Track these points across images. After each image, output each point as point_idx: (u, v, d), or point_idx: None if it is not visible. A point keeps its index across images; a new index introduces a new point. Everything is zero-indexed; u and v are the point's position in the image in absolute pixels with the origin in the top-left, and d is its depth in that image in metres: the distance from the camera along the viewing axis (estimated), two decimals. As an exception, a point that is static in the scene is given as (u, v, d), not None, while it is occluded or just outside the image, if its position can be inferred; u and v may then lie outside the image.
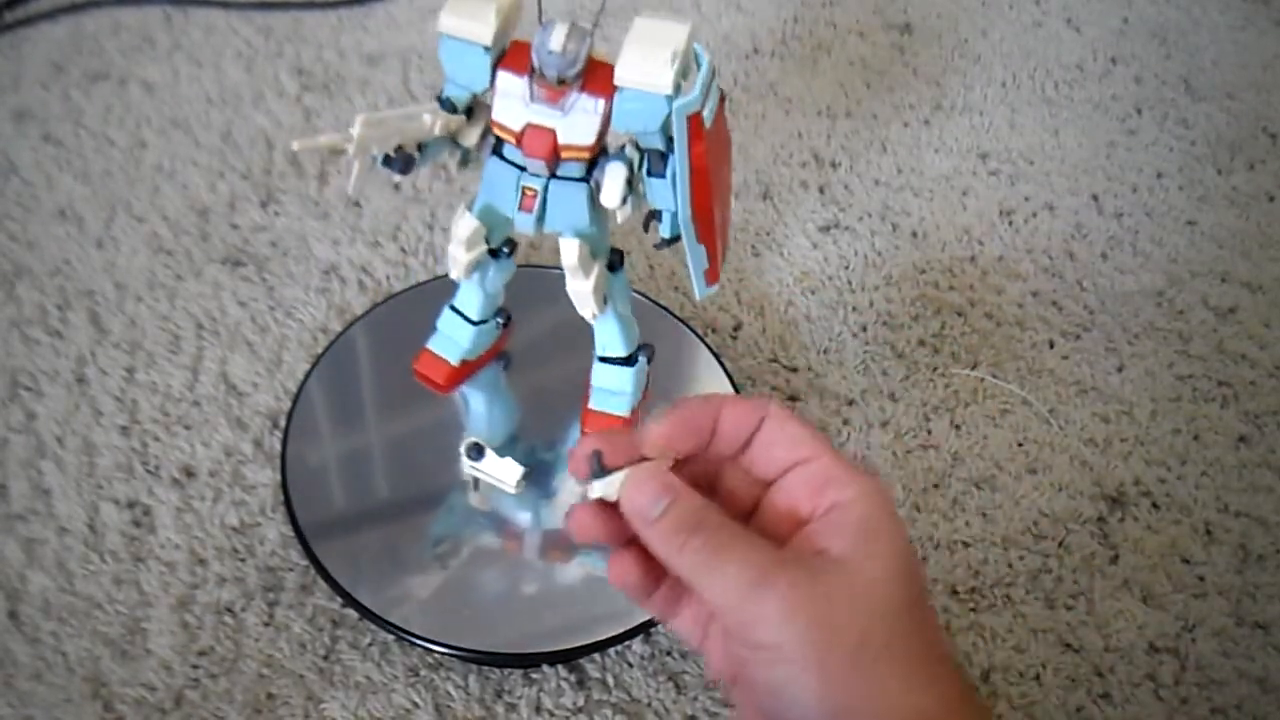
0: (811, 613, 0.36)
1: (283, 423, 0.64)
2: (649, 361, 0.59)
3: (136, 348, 0.68)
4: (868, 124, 0.87)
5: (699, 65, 0.45)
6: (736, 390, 0.66)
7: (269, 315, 0.70)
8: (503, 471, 0.58)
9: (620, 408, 0.58)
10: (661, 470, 0.39)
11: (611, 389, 0.58)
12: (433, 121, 0.48)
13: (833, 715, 0.36)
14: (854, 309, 0.74)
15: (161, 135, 0.82)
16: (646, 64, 0.45)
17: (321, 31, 0.91)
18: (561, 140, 0.47)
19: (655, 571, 0.40)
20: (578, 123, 0.47)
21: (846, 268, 0.76)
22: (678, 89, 0.45)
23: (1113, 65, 0.94)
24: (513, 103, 0.48)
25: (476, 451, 0.59)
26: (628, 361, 0.57)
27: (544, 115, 0.47)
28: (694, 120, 0.45)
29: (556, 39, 0.46)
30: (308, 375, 0.66)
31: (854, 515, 0.38)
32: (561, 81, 0.47)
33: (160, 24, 0.91)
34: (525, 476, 0.58)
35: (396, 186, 0.79)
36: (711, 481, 0.42)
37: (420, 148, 0.49)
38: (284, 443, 0.63)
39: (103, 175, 0.79)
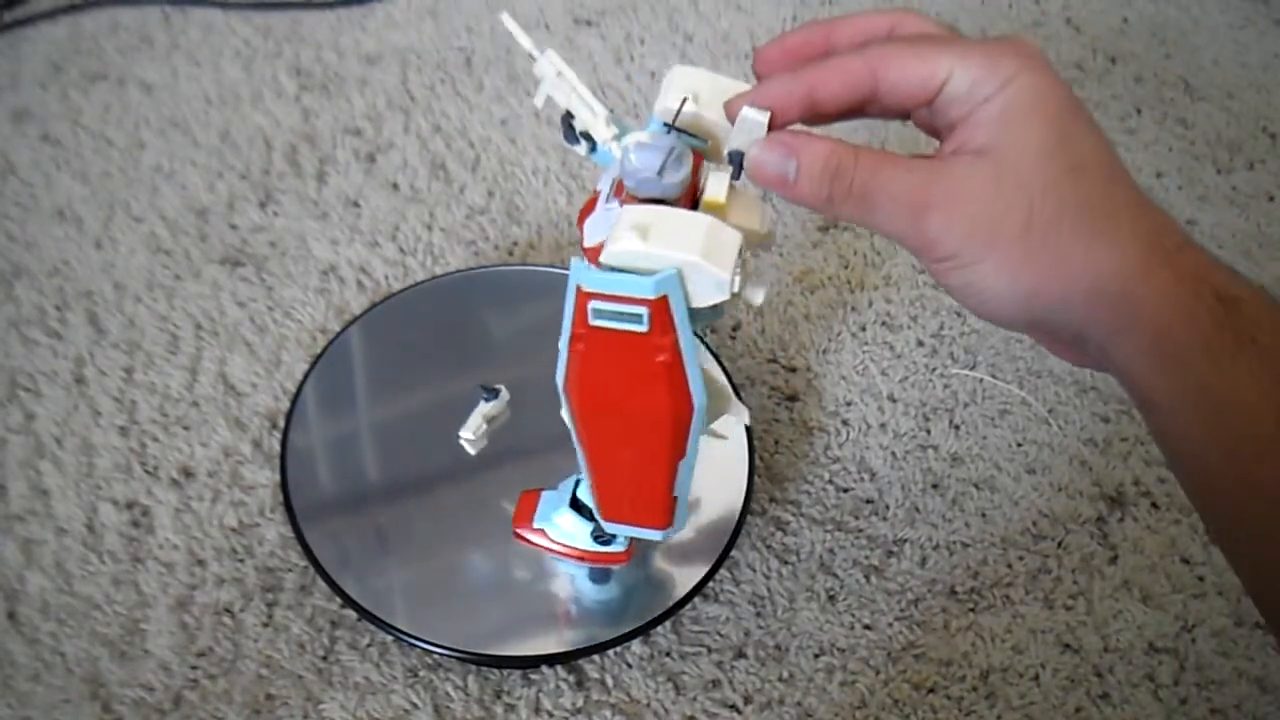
0: (971, 214, 0.37)
1: (281, 423, 0.64)
2: None
3: (135, 348, 0.68)
4: (866, 123, 0.87)
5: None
6: (737, 391, 0.66)
7: (268, 315, 0.70)
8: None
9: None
10: (779, 132, 0.39)
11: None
12: (605, 132, 0.45)
13: (1026, 297, 0.37)
14: (853, 309, 0.74)
15: (160, 135, 0.82)
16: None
17: (320, 31, 0.91)
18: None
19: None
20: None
21: (846, 267, 0.76)
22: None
23: (1112, 64, 0.94)
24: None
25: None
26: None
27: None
28: (580, 294, 0.42)
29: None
30: (306, 375, 0.66)
31: (997, 105, 0.37)
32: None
33: (159, 24, 0.90)
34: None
35: (395, 185, 0.79)
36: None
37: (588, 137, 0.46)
38: (283, 443, 0.63)
39: (101, 175, 0.78)
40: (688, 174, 0.42)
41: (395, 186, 0.79)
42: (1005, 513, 0.64)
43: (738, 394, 0.63)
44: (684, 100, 0.43)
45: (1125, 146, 0.86)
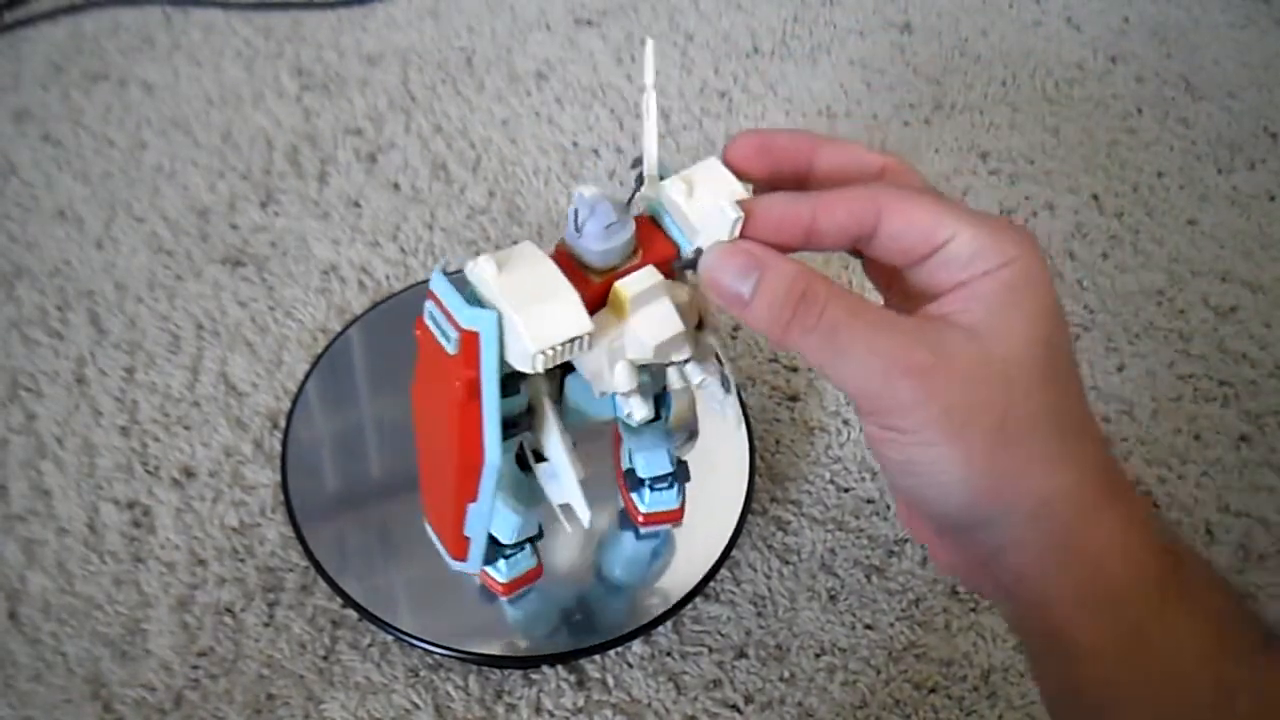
0: (948, 395, 0.33)
1: (283, 423, 0.64)
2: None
3: (136, 348, 0.68)
4: (867, 123, 0.87)
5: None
6: (737, 392, 0.66)
7: (269, 315, 0.70)
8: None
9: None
10: (743, 242, 0.35)
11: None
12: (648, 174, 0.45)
13: (975, 496, 0.34)
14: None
15: (161, 135, 0.82)
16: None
17: (321, 31, 0.91)
18: None
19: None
20: None
21: (846, 267, 0.76)
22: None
23: (1113, 64, 0.94)
24: None
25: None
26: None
27: None
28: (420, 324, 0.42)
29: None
30: (307, 375, 0.66)
31: (994, 283, 0.34)
32: None
33: (160, 24, 0.91)
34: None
35: (396, 185, 0.79)
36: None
37: None
38: (284, 443, 0.63)
39: (102, 176, 0.78)
40: (611, 248, 0.41)
41: (396, 186, 0.79)
42: (1006, 512, 0.64)
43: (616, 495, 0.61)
44: (639, 178, 0.41)
45: (1126, 146, 0.86)
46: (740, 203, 0.37)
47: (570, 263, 0.42)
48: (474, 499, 0.46)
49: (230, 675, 0.56)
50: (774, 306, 0.34)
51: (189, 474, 0.63)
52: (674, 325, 0.42)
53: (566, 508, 0.47)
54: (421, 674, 0.56)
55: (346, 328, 0.68)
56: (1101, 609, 0.34)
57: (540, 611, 0.58)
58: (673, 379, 0.46)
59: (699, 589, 0.58)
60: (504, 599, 0.57)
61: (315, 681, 0.56)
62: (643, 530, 0.59)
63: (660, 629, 0.58)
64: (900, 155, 0.39)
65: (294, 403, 0.65)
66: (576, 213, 0.42)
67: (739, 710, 0.56)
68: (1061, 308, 0.36)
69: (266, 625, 0.58)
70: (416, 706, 0.55)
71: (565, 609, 0.58)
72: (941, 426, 0.33)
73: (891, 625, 0.59)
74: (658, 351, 0.42)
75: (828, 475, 0.65)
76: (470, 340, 0.40)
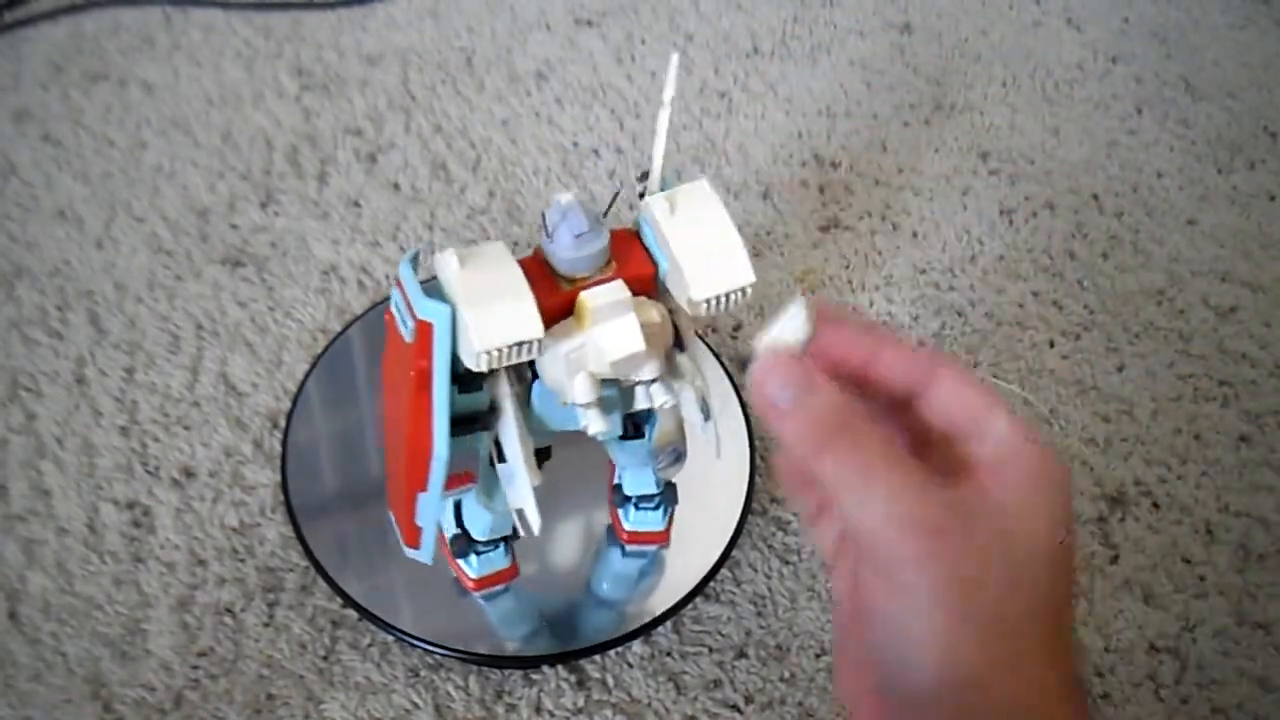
0: (961, 565, 0.32)
1: (282, 423, 0.64)
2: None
3: (136, 348, 0.68)
4: (868, 124, 0.87)
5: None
6: (737, 393, 0.66)
7: (268, 315, 0.70)
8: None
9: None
10: (797, 360, 0.34)
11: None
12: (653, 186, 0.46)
13: (954, 684, 0.32)
14: (854, 309, 0.74)
15: (161, 136, 0.82)
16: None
17: (321, 32, 0.91)
18: None
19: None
20: None
21: (846, 267, 0.76)
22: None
23: (1113, 65, 0.94)
24: None
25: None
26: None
27: None
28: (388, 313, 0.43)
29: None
30: (307, 375, 0.66)
31: (1025, 472, 0.34)
32: None
33: (160, 24, 0.91)
34: None
35: (396, 185, 0.79)
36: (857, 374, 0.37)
37: None
38: (284, 443, 0.63)
39: (102, 176, 0.78)
40: (580, 257, 0.41)
41: (396, 187, 0.79)
42: (1006, 512, 0.64)
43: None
44: (615, 194, 0.42)
45: (1126, 146, 0.86)
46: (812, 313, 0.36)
47: (542, 268, 0.43)
48: (423, 488, 0.47)
49: (230, 675, 0.56)
50: (814, 425, 0.33)
51: (189, 474, 0.63)
52: (634, 343, 0.42)
53: (520, 512, 0.47)
54: (422, 674, 0.56)
55: (346, 328, 0.68)
56: None
57: (540, 612, 0.58)
58: (639, 398, 0.46)
59: (699, 589, 0.58)
60: (475, 594, 0.57)
61: (315, 681, 0.56)
62: (628, 548, 0.59)
63: (660, 629, 0.58)
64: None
65: (294, 403, 0.65)
66: (550, 218, 0.42)
67: (739, 710, 0.56)
68: (1072, 507, 0.36)
69: (266, 625, 0.58)
70: (416, 706, 0.55)
71: (565, 609, 0.58)
72: (941, 596, 0.32)
73: (891, 625, 0.59)
74: (615, 367, 0.42)
75: (828, 475, 0.65)
76: (425, 331, 0.40)
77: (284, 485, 0.61)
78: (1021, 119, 0.88)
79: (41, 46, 0.88)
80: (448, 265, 0.41)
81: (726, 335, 0.72)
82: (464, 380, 0.44)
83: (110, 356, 0.68)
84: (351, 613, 0.58)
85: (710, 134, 0.85)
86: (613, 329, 0.42)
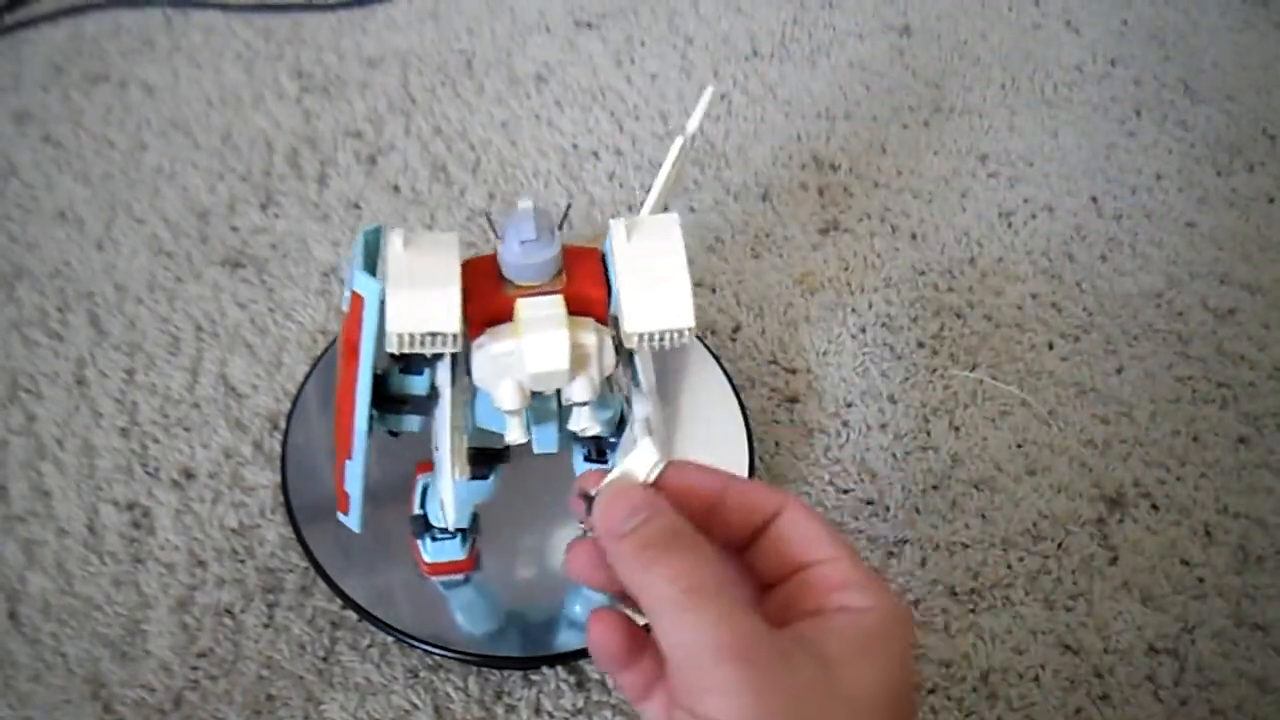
0: (778, 703, 0.30)
1: (282, 424, 0.64)
2: None
3: (136, 349, 0.69)
4: (867, 126, 0.87)
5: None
6: (736, 394, 0.66)
7: (268, 317, 0.70)
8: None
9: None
10: (643, 488, 0.34)
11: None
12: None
13: None
14: (853, 310, 0.74)
15: (161, 137, 0.82)
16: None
17: (321, 34, 0.91)
18: None
19: (639, 641, 0.34)
20: None
21: (846, 269, 0.76)
22: None
23: (1112, 67, 0.94)
24: None
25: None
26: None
27: None
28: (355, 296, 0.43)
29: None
30: (307, 377, 0.66)
31: (863, 624, 0.33)
32: None
33: (160, 26, 0.91)
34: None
35: (395, 187, 0.79)
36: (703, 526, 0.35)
37: None
38: (283, 444, 0.63)
39: (103, 177, 0.79)
40: (525, 264, 0.42)
41: (396, 189, 0.79)
42: (1005, 514, 0.64)
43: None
44: (567, 208, 0.42)
45: (1125, 148, 0.87)
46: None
47: (493, 270, 0.43)
48: (349, 456, 0.47)
49: (230, 676, 0.56)
50: (648, 542, 0.32)
51: (189, 475, 0.63)
52: (558, 360, 0.42)
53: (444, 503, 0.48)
54: (421, 675, 0.56)
55: (346, 329, 0.68)
56: None
57: (507, 614, 0.58)
58: (573, 418, 0.46)
59: (698, 590, 0.58)
60: (431, 579, 0.58)
61: (315, 682, 0.56)
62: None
63: (659, 630, 0.58)
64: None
65: (293, 404, 0.65)
66: (504, 222, 0.42)
67: (738, 711, 0.56)
68: (916, 684, 0.36)
69: (266, 626, 0.58)
70: (416, 707, 0.55)
71: (537, 618, 0.58)
72: None
73: (891, 626, 0.59)
74: (535, 379, 0.42)
75: (827, 477, 0.65)
76: (356, 303, 0.41)
77: (284, 486, 0.61)
78: (1020, 121, 0.88)
79: (42, 48, 0.88)
80: (392, 245, 0.41)
81: (726, 337, 0.72)
82: (408, 361, 0.44)
83: (110, 358, 0.68)
84: (351, 614, 0.58)
85: (710, 136, 0.85)
86: (539, 341, 0.42)
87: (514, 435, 0.45)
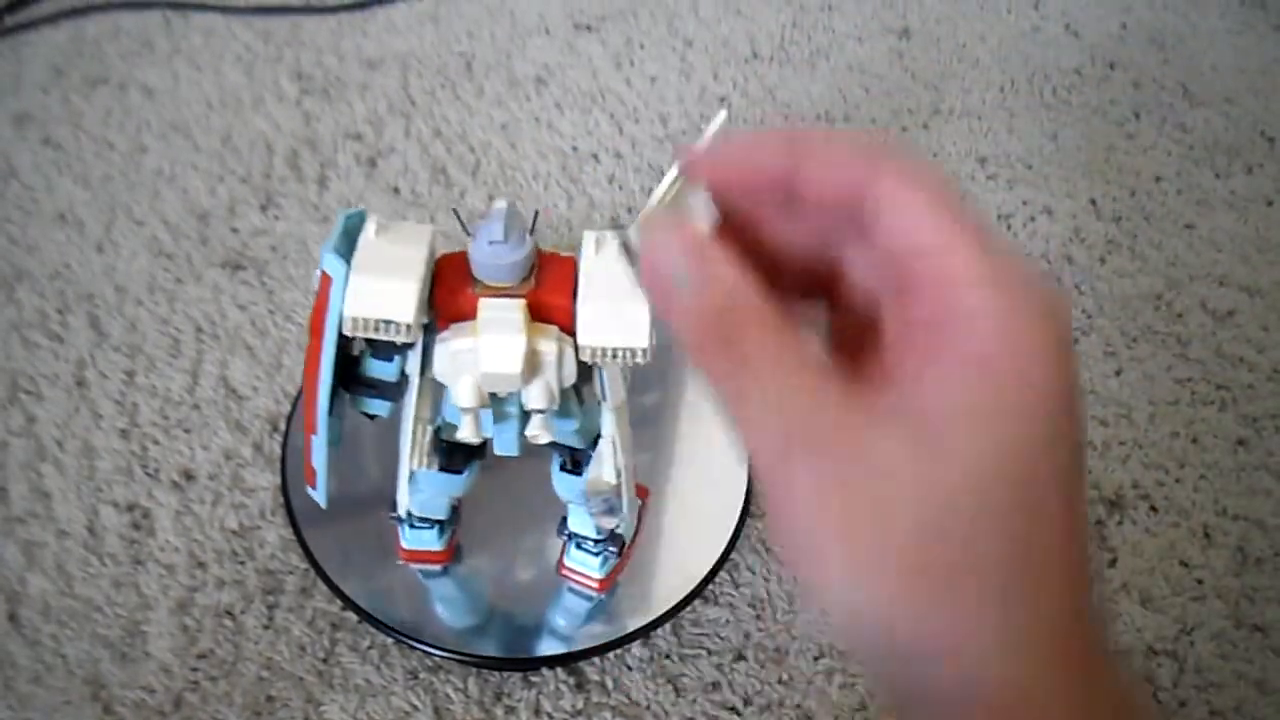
0: (857, 500, 0.23)
1: (282, 426, 0.64)
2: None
3: (136, 351, 0.69)
4: (866, 128, 0.87)
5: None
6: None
7: (269, 319, 0.70)
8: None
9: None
10: (687, 225, 0.26)
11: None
12: None
13: (891, 657, 0.25)
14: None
15: (161, 139, 0.82)
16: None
17: (321, 36, 0.91)
18: None
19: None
20: None
21: (845, 271, 0.76)
22: None
23: (1111, 70, 0.94)
24: None
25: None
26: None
27: None
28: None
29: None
30: (307, 378, 0.66)
31: (977, 347, 0.24)
32: None
33: (160, 28, 0.91)
34: None
35: (395, 189, 0.79)
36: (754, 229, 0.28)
37: None
38: (284, 446, 0.63)
39: (103, 179, 0.79)
40: (491, 265, 0.42)
41: (396, 191, 0.79)
42: (1004, 516, 0.64)
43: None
44: (536, 213, 0.42)
45: (1124, 151, 0.87)
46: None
47: (465, 267, 0.43)
48: (314, 432, 0.48)
49: (230, 677, 0.56)
50: (707, 323, 0.25)
51: (189, 477, 0.63)
52: (511, 363, 0.42)
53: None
54: (421, 676, 0.56)
55: (346, 331, 0.68)
56: None
57: (539, 613, 0.58)
58: (528, 425, 0.47)
59: (698, 591, 0.58)
60: (408, 565, 0.58)
61: (315, 684, 0.56)
62: (569, 585, 0.59)
63: (659, 631, 0.58)
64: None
65: (294, 406, 0.65)
66: (481, 221, 0.42)
67: (738, 712, 0.56)
68: (1076, 406, 0.25)
69: (266, 627, 0.58)
70: (416, 708, 0.55)
71: (564, 611, 0.58)
72: (838, 538, 0.24)
73: (890, 628, 0.59)
74: (486, 379, 0.43)
75: (826, 478, 0.65)
76: (325, 282, 0.42)
77: (284, 488, 0.61)
78: (1020, 124, 0.88)
79: (42, 50, 0.88)
80: (366, 231, 0.42)
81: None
82: (378, 346, 0.45)
83: (110, 359, 0.68)
84: (351, 615, 0.58)
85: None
86: (494, 343, 0.42)
87: (465, 433, 0.45)
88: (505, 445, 0.49)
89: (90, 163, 0.80)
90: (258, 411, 0.66)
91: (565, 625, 0.57)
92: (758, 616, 0.60)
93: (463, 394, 0.43)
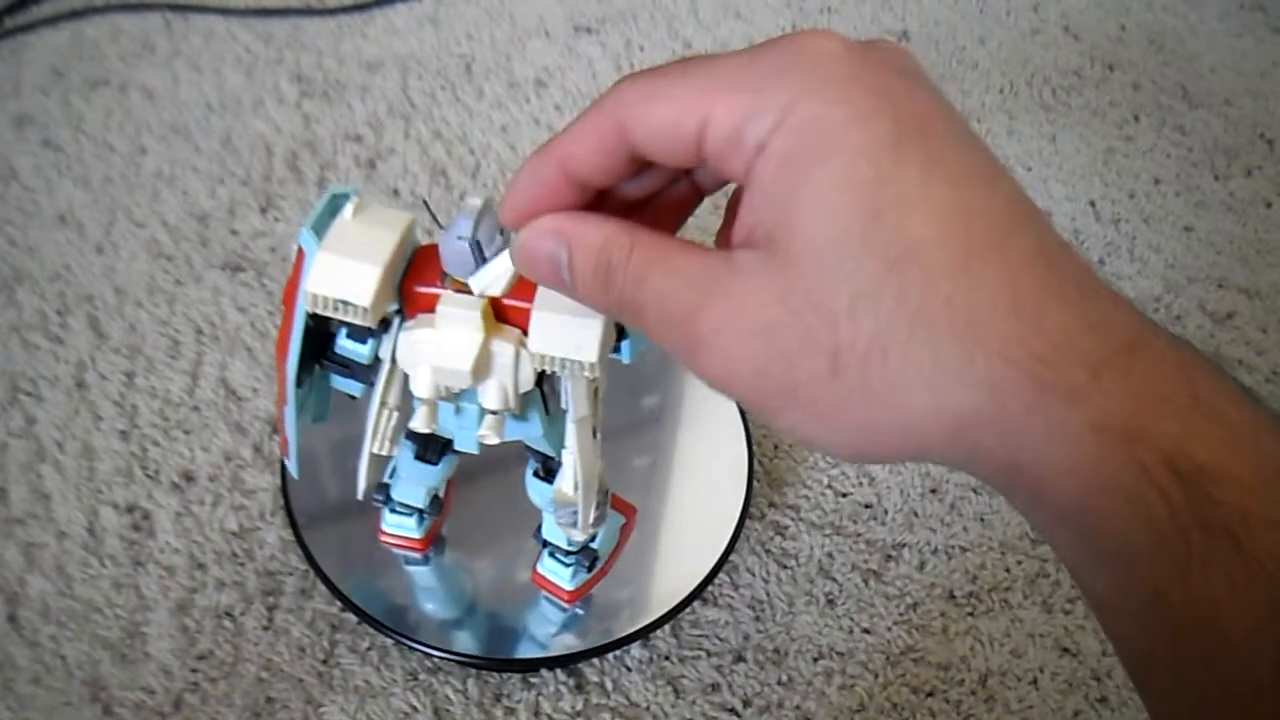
0: (753, 352, 0.26)
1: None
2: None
3: (136, 353, 0.69)
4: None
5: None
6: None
7: (268, 320, 0.71)
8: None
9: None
10: (548, 218, 0.29)
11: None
12: None
13: (859, 453, 0.27)
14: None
15: (161, 141, 0.82)
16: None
17: (321, 38, 0.91)
18: None
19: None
20: None
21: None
22: None
23: (1110, 72, 0.94)
24: None
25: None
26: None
27: None
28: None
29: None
30: (307, 380, 0.66)
31: (772, 161, 0.25)
32: None
33: (160, 30, 0.91)
34: None
35: (395, 191, 0.79)
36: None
37: None
38: (283, 447, 0.63)
39: (103, 181, 0.79)
40: (453, 260, 0.41)
41: (396, 193, 0.79)
42: (1004, 517, 0.64)
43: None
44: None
45: (1123, 153, 0.87)
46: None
47: (436, 258, 0.43)
48: (285, 403, 0.48)
49: (229, 679, 0.56)
50: (588, 284, 0.28)
51: (188, 478, 0.63)
52: (461, 360, 0.42)
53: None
54: (420, 677, 0.57)
55: (346, 332, 0.69)
56: (1103, 566, 0.26)
57: (539, 614, 0.58)
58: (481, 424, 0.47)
59: (697, 593, 0.58)
60: (387, 545, 0.59)
61: (314, 685, 0.56)
62: (541, 590, 0.59)
63: (658, 633, 0.58)
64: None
65: (293, 407, 0.65)
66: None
67: (737, 714, 0.56)
68: (926, 110, 0.27)
69: (266, 629, 0.58)
70: (415, 710, 0.55)
71: (564, 612, 0.58)
72: (765, 392, 0.26)
73: (889, 629, 0.60)
74: (438, 373, 0.43)
75: (825, 480, 0.65)
76: (300, 256, 0.42)
77: (284, 489, 0.61)
78: (1019, 126, 0.88)
79: (42, 52, 0.88)
80: (344, 210, 0.42)
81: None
82: (353, 325, 0.45)
83: (110, 361, 0.68)
84: (351, 616, 0.58)
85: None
86: (449, 338, 0.42)
87: (417, 422, 0.45)
88: (464, 442, 0.49)
89: (90, 164, 0.80)
90: (257, 413, 0.66)
91: (539, 632, 0.57)
92: (757, 618, 0.60)
93: (419, 384, 0.43)
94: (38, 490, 0.62)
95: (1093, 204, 0.83)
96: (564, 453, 0.48)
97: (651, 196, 0.31)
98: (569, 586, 0.57)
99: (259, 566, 0.60)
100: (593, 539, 0.55)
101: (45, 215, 0.76)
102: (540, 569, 0.58)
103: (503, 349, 0.43)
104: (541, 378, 0.45)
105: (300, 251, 0.43)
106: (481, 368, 0.42)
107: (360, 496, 0.49)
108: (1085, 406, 0.24)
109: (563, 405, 0.46)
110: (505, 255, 0.36)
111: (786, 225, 0.25)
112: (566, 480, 0.48)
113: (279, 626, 0.58)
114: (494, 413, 0.44)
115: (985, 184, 0.26)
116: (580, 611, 0.58)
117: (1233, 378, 0.25)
